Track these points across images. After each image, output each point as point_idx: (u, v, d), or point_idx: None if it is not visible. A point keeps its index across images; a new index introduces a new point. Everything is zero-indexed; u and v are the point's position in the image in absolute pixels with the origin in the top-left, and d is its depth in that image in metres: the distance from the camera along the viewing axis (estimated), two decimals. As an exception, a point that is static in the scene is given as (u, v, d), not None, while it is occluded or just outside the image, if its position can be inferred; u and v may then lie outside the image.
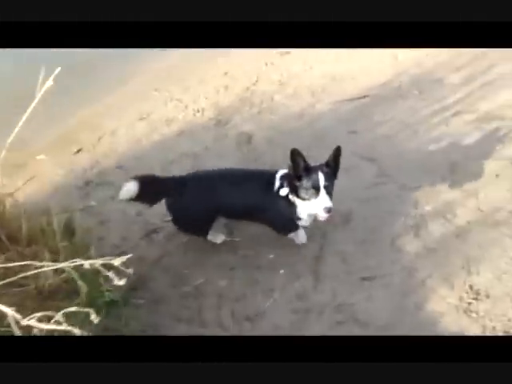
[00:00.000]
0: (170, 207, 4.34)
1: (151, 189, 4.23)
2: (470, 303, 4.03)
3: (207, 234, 4.57)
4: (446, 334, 3.83)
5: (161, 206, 4.36)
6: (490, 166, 5.07)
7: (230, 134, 5.87)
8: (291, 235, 4.51)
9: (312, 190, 3.92)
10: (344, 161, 5.07)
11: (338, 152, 4.00)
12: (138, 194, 4.12)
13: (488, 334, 3.82)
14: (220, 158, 5.54)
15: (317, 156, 5.14)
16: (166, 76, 7.10)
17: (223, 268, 4.50)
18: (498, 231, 4.46)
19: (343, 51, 6.78)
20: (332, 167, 4.02)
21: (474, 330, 3.84)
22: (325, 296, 4.19)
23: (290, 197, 4.08)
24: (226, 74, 6.88)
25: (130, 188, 4.11)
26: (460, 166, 5.13)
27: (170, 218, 4.51)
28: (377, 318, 3.99)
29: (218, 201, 4.24)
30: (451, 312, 3.99)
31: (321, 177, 3.91)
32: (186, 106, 6.39)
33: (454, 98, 5.92)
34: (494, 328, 3.86)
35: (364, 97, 6.10)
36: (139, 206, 4.58)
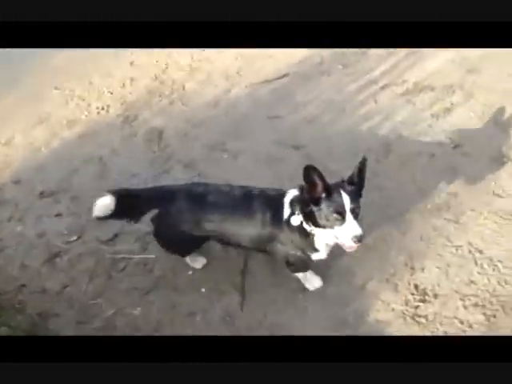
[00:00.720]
0: (153, 220, 3.66)
1: (130, 203, 3.55)
2: (417, 307, 3.61)
3: (189, 254, 3.94)
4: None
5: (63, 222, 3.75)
6: (424, 144, 4.63)
7: (139, 132, 5.24)
8: (300, 275, 3.75)
9: (335, 216, 3.07)
10: (265, 151, 4.63)
11: (363, 165, 3.15)
12: (114, 210, 3.46)
13: (439, 341, 3.38)
14: (129, 161, 4.92)
15: (236, 148, 4.66)
16: (66, 72, 6.35)
17: (136, 293, 3.96)
18: (441, 217, 4.04)
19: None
20: (357, 184, 3.16)
21: (423, 337, 3.43)
22: (254, 315, 3.70)
23: (305, 226, 3.27)
24: (131, 64, 6.19)
25: (106, 203, 3.45)
26: (394, 146, 4.68)
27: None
28: (314, 333, 3.52)
29: (208, 226, 3.50)
30: (397, 320, 3.57)
31: (345, 198, 3.06)
32: (89, 104, 5.71)
33: (381, 70, 5.45)
34: (445, 333, 3.45)
35: (283, 76, 5.55)
36: (39, 227, 4.12)
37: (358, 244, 3.11)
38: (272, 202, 3.40)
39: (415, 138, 4.72)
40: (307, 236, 3.32)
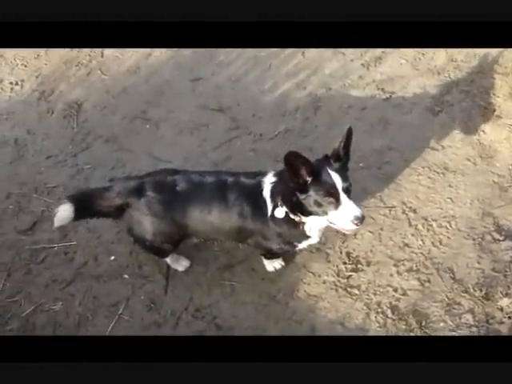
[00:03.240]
0: (124, 218, 3.26)
1: (93, 204, 3.18)
2: (349, 277, 3.47)
3: (168, 254, 3.54)
4: (326, 322, 3.28)
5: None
6: (355, 97, 4.42)
7: (57, 107, 4.87)
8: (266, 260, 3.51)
9: (328, 199, 2.73)
10: (189, 117, 4.39)
11: (349, 136, 2.80)
12: (76, 216, 3.13)
13: (373, 312, 3.28)
14: (47, 141, 4.59)
15: (158, 117, 4.37)
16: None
17: (56, 286, 3.70)
18: (373, 177, 3.87)
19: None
20: (343, 158, 2.81)
21: (357, 310, 3.31)
22: (179, 300, 3.51)
23: (292, 216, 2.93)
24: (47, 31, 5.76)
25: (64, 212, 3.10)
26: (323, 102, 4.43)
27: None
28: (242, 319, 3.36)
29: (181, 220, 3.15)
30: (329, 292, 3.41)
31: (335, 177, 2.72)
32: (1, 80, 5.28)
33: (308, 21, 5.09)
34: (379, 303, 3.30)
35: (206, 35, 5.18)
36: None
37: (360, 226, 2.79)
38: (249, 193, 3.03)
39: (345, 91, 4.48)
40: (296, 226, 2.99)
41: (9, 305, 3.63)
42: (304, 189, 2.74)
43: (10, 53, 5.45)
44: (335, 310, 3.31)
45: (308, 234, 3.03)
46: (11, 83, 5.21)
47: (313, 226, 2.99)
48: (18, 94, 5.07)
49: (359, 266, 3.46)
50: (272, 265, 3.50)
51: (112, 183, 3.30)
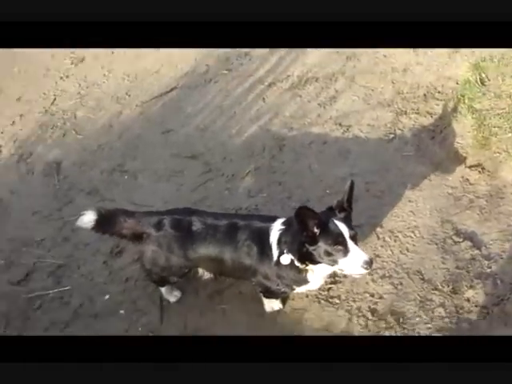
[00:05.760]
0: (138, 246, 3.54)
1: (116, 223, 3.46)
2: (329, 289, 3.78)
3: (170, 284, 3.79)
4: (313, 330, 3.58)
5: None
6: (315, 134, 4.82)
7: (37, 168, 5.14)
8: (265, 299, 3.69)
9: (337, 248, 2.95)
10: (164, 166, 4.69)
11: (351, 189, 3.07)
12: (96, 226, 3.42)
13: (354, 317, 3.59)
14: (30, 198, 4.84)
15: (135, 168, 4.68)
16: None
17: (56, 327, 3.91)
18: (336, 197, 4.02)
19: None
20: (347, 209, 3.07)
21: (340, 316, 3.63)
22: (175, 326, 3.77)
23: (298, 264, 3.14)
24: (18, 99, 6.02)
25: (86, 217, 3.40)
26: (287, 140, 4.82)
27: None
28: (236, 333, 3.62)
29: (193, 255, 3.42)
30: (313, 304, 3.72)
31: (342, 227, 2.96)
32: (-20, 147, 5.55)
33: (265, 69, 5.56)
34: (359, 308, 3.62)
35: (171, 90, 5.58)
36: None
37: (370, 269, 3.03)
38: (258, 236, 3.27)
39: (306, 129, 4.89)
40: (300, 272, 3.21)
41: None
42: (313, 240, 2.96)
43: (-15, 122, 5.73)
44: (320, 320, 3.60)
45: (309, 280, 3.26)
46: (-11, 149, 5.46)
47: (317, 272, 3.21)
48: (-3, 159, 5.33)
49: (337, 278, 3.76)
50: (270, 305, 3.70)
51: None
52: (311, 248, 2.99)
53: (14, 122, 5.70)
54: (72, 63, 6.24)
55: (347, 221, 3.02)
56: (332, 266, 3.04)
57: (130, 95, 5.69)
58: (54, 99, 5.90)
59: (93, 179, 4.89)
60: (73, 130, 5.46)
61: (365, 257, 2.95)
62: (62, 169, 5.08)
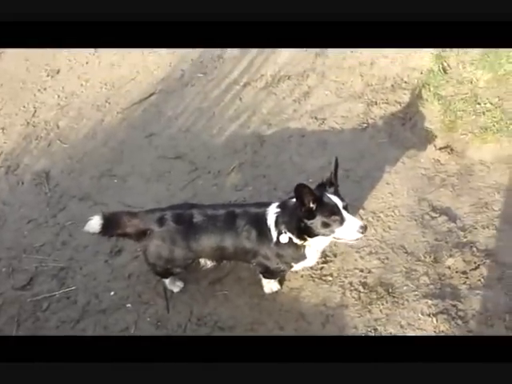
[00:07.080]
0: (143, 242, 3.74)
1: (120, 224, 3.69)
2: (321, 268, 4.07)
3: (173, 275, 4.02)
4: (311, 306, 3.88)
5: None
6: (293, 128, 5.14)
7: (26, 178, 5.30)
8: (265, 280, 3.95)
9: (333, 219, 3.22)
10: (151, 168, 4.93)
11: (336, 165, 3.37)
12: (103, 230, 3.65)
13: (348, 291, 3.90)
14: (23, 208, 5.01)
15: (123, 172, 4.89)
16: None
17: (67, 325, 4.09)
18: None
19: (117, 54, 6.40)
20: (335, 183, 3.38)
21: (334, 292, 3.93)
22: (181, 314, 4.00)
23: (296, 240, 3.42)
24: (-3, 114, 6.17)
25: (93, 222, 3.64)
26: (266, 136, 5.12)
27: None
28: (240, 318, 3.90)
29: (196, 247, 3.65)
30: (307, 283, 4.01)
31: (335, 199, 3.25)
32: (-34, 162, 5.67)
33: (239, 71, 5.85)
34: (351, 283, 3.93)
35: (150, 95, 5.81)
36: None
37: (365, 234, 3.33)
38: (256, 221, 3.53)
39: (284, 124, 5.20)
40: (298, 249, 3.48)
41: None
42: (311, 214, 3.23)
43: (-32, 137, 5.85)
44: (316, 296, 3.91)
45: (307, 255, 3.54)
46: (-25, 164, 5.58)
47: (314, 247, 3.50)
48: (-16, 173, 5.45)
49: (328, 258, 4.08)
50: (269, 286, 3.97)
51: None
52: (309, 222, 3.25)
53: (-4, 136, 5.83)
54: (48, 75, 6.39)
55: (337, 194, 3.34)
56: (329, 235, 3.32)
57: (109, 103, 5.88)
58: (35, 111, 6.04)
59: (83, 185, 5.06)
60: (57, 139, 5.61)
61: (359, 222, 3.27)
62: (52, 177, 5.23)
